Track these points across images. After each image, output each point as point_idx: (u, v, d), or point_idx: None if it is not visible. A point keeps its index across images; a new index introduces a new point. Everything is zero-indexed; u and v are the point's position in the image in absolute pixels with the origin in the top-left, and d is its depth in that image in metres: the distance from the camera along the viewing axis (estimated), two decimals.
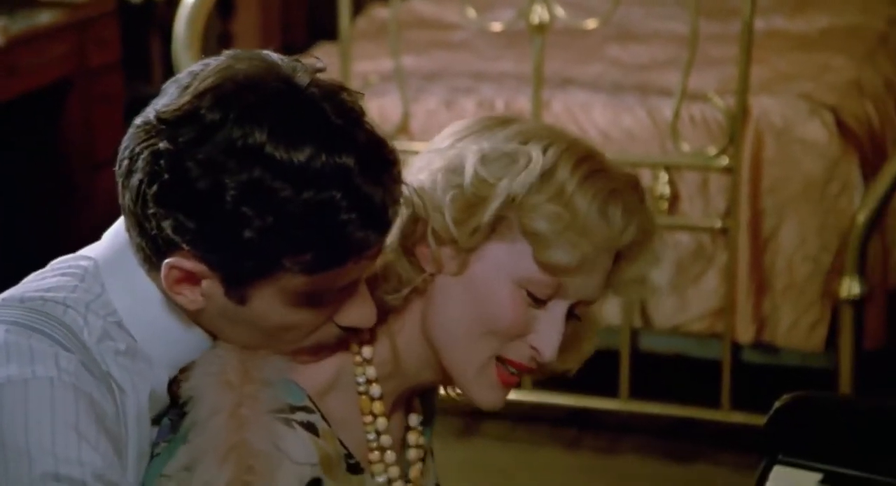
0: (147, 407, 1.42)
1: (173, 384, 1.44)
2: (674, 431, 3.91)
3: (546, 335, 1.42)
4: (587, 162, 1.41)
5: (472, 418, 3.89)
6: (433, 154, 1.45)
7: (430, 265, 1.42)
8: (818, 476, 1.84)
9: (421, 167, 1.45)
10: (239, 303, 1.39)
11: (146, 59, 5.13)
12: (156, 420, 1.45)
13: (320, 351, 1.44)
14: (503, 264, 1.40)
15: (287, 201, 1.33)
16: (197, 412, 1.37)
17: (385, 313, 1.45)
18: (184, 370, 1.42)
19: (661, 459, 3.82)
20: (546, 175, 1.39)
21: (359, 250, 1.36)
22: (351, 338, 1.45)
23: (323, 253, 1.35)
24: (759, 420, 3.68)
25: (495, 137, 1.42)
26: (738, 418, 3.76)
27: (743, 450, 3.78)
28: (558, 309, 1.42)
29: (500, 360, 1.43)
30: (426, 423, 1.55)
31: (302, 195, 1.34)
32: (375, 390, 1.44)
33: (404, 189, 1.40)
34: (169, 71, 4.43)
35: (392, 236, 1.41)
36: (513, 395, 4.27)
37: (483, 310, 1.41)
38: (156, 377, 1.43)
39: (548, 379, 3.82)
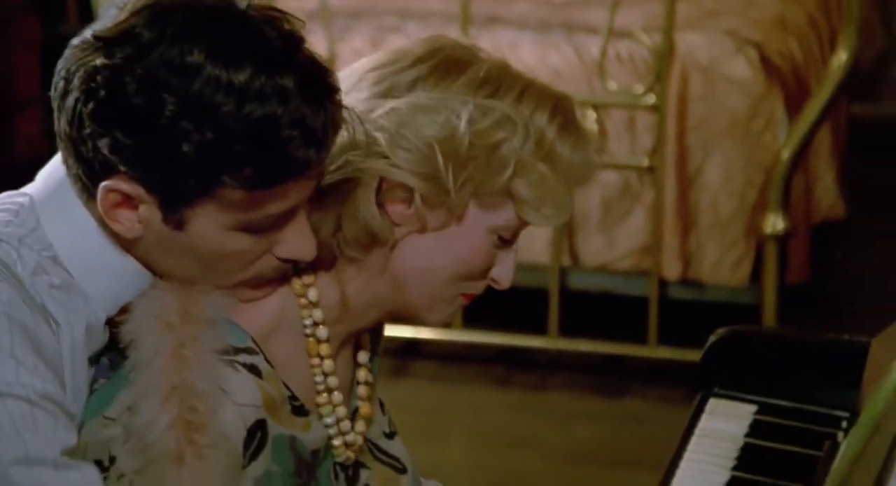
0: (83, 342, 1.40)
1: (112, 326, 1.42)
2: (602, 367, 3.95)
3: (507, 267, 1.45)
4: (560, 111, 1.41)
5: (402, 358, 3.90)
6: (380, 101, 1.41)
7: (413, 224, 1.41)
8: (753, 408, 1.87)
9: (366, 117, 1.41)
10: (177, 228, 1.37)
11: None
12: (93, 360, 1.43)
13: (262, 288, 1.43)
14: (481, 217, 1.41)
15: (228, 116, 1.32)
16: (138, 354, 1.36)
17: (333, 258, 1.44)
18: (122, 312, 1.41)
19: (591, 395, 3.86)
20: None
21: (299, 169, 1.35)
22: (294, 279, 1.44)
23: (263, 169, 1.34)
24: (686, 355, 3.76)
25: (458, 86, 1.40)
26: (665, 353, 3.80)
27: (670, 385, 3.83)
28: (515, 241, 1.45)
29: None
30: (374, 353, 1.54)
31: (243, 110, 1.33)
32: (322, 332, 1.44)
33: (375, 147, 1.38)
34: (85, 11, 4.36)
35: (366, 194, 1.39)
36: (442, 335, 4.29)
37: (459, 259, 1.41)
38: (92, 313, 1.41)
39: (477, 318, 3.84)
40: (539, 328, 3.83)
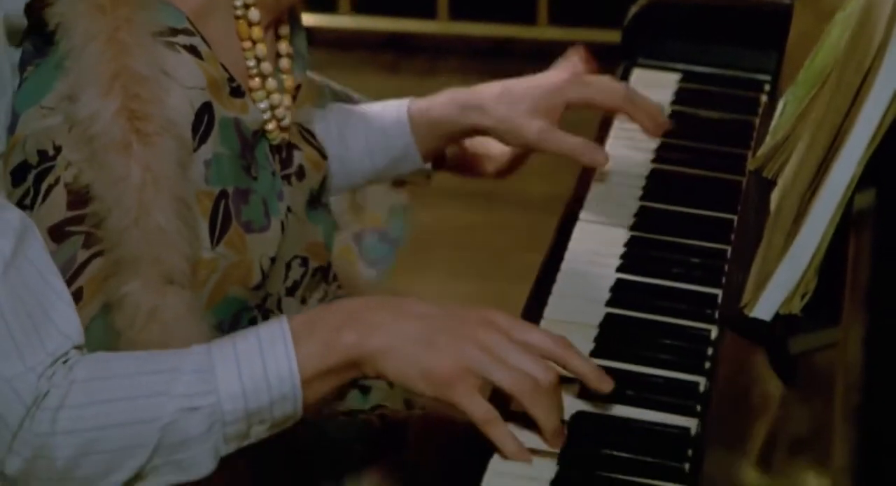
0: (2, 32, 1.33)
1: (34, 6, 1.35)
2: (492, 51, 3.94)
3: None
4: None
5: None
6: None
7: None
8: (677, 76, 1.88)
9: None
10: None
11: None
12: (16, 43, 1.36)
13: None
14: None
15: None
16: (70, 40, 1.29)
17: None
18: None
19: (481, 79, 3.80)
20: None
21: None
22: None
23: None
24: (576, 35, 3.75)
25: None
26: (556, 34, 3.80)
27: None
28: None
29: None
30: (295, 28, 1.50)
31: None
32: (254, 14, 1.39)
33: None
34: None
35: None
36: (331, 22, 4.22)
37: None
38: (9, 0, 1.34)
39: (365, 3, 3.78)
40: (428, 13, 3.79)
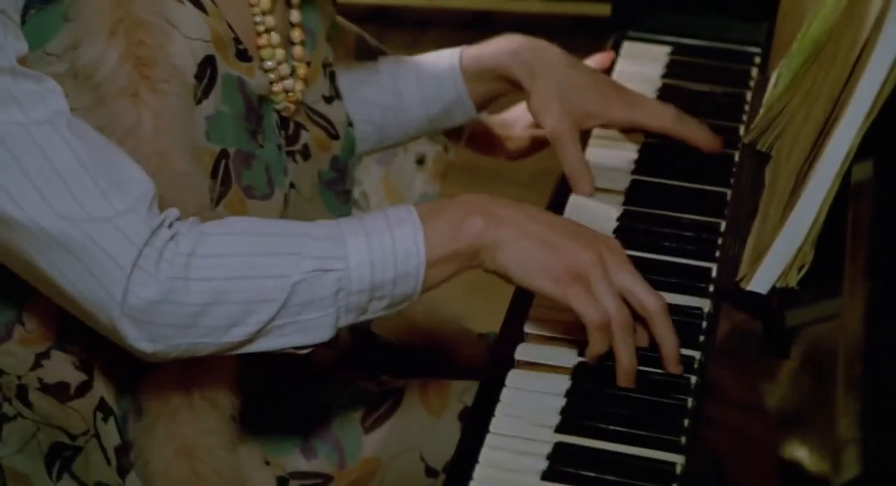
0: None
1: None
2: (477, 23, 3.92)
3: None
4: None
5: None
6: None
7: None
8: (667, 49, 1.87)
9: None
10: None
11: None
12: None
13: None
14: None
15: None
16: None
17: None
18: None
19: None
20: None
21: None
22: None
23: None
24: (561, 8, 3.73)
25: None
26: (544, 6, 3.78)
27: (546, 39, 3.82)
28: None
29: None
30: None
31: None
32: None
33: None
34: None
35: None
36: None
37: None
38: None
39: None
40: None
